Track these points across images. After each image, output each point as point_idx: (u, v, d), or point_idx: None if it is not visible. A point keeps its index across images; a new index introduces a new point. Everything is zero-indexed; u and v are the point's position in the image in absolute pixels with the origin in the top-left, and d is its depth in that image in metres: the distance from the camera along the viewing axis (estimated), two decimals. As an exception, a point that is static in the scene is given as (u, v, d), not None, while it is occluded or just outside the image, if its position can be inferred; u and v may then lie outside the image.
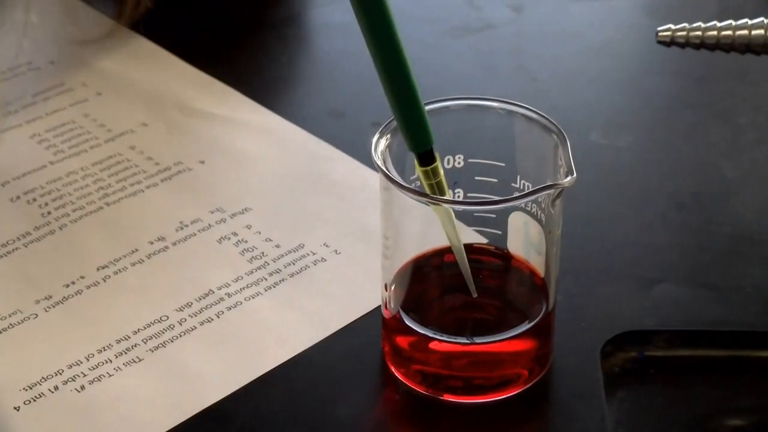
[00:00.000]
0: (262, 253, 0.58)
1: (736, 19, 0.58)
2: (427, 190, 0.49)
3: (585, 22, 0.76)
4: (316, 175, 0.62)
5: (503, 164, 0.51)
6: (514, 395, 0.51)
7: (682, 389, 0.54)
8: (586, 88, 0.70)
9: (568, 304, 0.54)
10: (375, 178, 0.49)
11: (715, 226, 0.60)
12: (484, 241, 0.52)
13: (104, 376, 0.51)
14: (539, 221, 0.49)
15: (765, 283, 0.56)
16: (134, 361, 0.52)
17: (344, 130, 0.66)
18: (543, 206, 0.49)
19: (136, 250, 0.58)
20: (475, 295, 0.50)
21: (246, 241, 0.58)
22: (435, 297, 0.52)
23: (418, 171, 0.48)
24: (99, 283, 0.56)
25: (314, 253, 0.58)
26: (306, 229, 0.59)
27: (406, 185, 0.48)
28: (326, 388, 0.51)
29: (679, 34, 0.58)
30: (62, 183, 0.62)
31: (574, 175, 0.47)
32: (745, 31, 0.57)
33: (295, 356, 0.52)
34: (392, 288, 0.51)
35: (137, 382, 0.51)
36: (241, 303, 0.55)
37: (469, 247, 0.52)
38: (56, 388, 0.51)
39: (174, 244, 0.58)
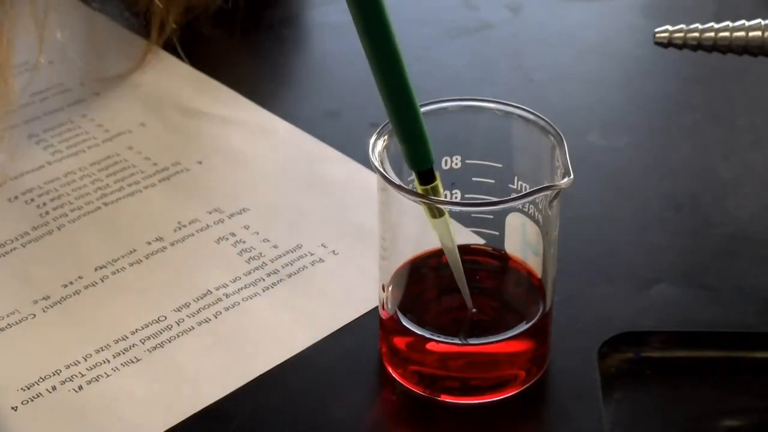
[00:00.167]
0: (260, 253, 0.58)
1: (733, 21, 0.58)
2: (426, 211, 0.49)
3: (582, 23, 0.76)
4: (313, 176, 0.62)
5: (500, 165, 0.51)
6: (511, 396, 0.51)
7: (678, 390, 0.54)
8: (584, 89, 0.70)
9: (566, 305, 0.54)
10: (373, 178, 0.49)
11: (712, 227, 0.60)
12: (482, 242, 0.52)
13: (102, 377, 0.52)
14: (536, 222, 0.49)
15: (762, 283, 0.56)
16: (132, 362, 0.52)
17: (342, 130, 0.66)
18: (540, 207, 0.49)
19: (134, 250, 0.58)
20: (471, 307, 0.50)
21: (244, 242, 0.58)
22: (432, 298, 0.52)
23: (418, 190, 0.48)
24: (97, 283, 0.56)
25: (312, 254, 0.58)
26: (304, 230, 0.59)
27: (404, 186, 0.48)
28: (324, 389, 0.51)
29: (677, 35, 0.58)
30: (60, 183, 0.62)
31: (572, 176, 0.47)
32: (743, 33, 0.57)
33: (293, 357, 0.53)
34: (389, 289, 0.51)
35: (135, 382, 0.51)
36: (239, 303, 0.55)
37: (467, 248, 0.52)
38: (54, 388, 0.51)
39: (172, 244, 0.58)
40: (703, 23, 0.59)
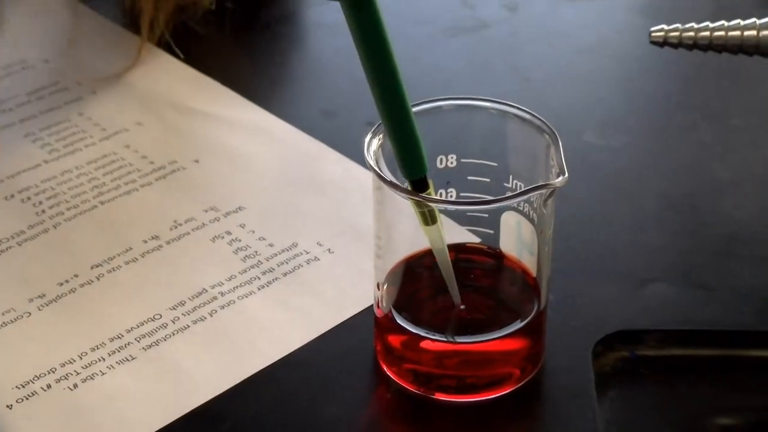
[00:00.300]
0: (256, 252, 0.58)
1: (728, 20, 0.58)
2: (419, 219, 0.49)
3: (579, 22, 0.76)
4: (309, 175, 0.62)
5: (496, 164, 0.51)
6: (505, 394, 0.51)
7: (673, 389, 0.54)
8: (580, 88, 0.70)
9: (560, 303, 0.54)
10: (368, 177, 0.49)
11: (708, 226, 0.60)
12: (477, 240, 0.52)
13: (97, 375, 0.52)
14: (531, 221, 0.49)
15: (757, 283, 0.56)
16: (127, 360, 0.52)
17: (338, 129, 0.66)
18: (535, 206, 0.49)
19: (130, 248, 0.58)
20: (458, 303, 0.50)
21: (239, 240, 0.58)
22: (427, 296, 0.52)
23: (411, 201, 0.49)
24: (93, 281, 0.56)
25: (307, 252, 0.58)
26: (299, 228, 0.59)
27: (399, 185, 0.48)
28: (318, 387, 0.51)
29: (672, 34, 0.58)
30: (57, 182, 0.62)
31: (566, 175, 0.47)
32: (738, 32, 0.57)
33: (288, 355, 0.53)
34: (384, 287, 0.51)
35: (130, 380, 0.51)
36: (234, 302, 0.55)
37: (462, 247, 0.52)
38: (49, 386, 0.51)
39: (168, 242, 0.58)
40: (699, 23, 0.59)
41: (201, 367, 0.52)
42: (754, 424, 0.53)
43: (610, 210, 0.61)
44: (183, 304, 0.55)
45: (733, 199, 0.61)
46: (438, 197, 0.50)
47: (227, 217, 0.60)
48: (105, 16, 0.74)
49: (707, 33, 0.58)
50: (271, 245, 0.58)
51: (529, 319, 0.50)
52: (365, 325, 0.53)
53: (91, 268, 0.57)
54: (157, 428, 0.49)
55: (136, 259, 0.57)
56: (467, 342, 0.50)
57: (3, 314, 0.54)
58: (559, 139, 0.49)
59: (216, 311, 0.55)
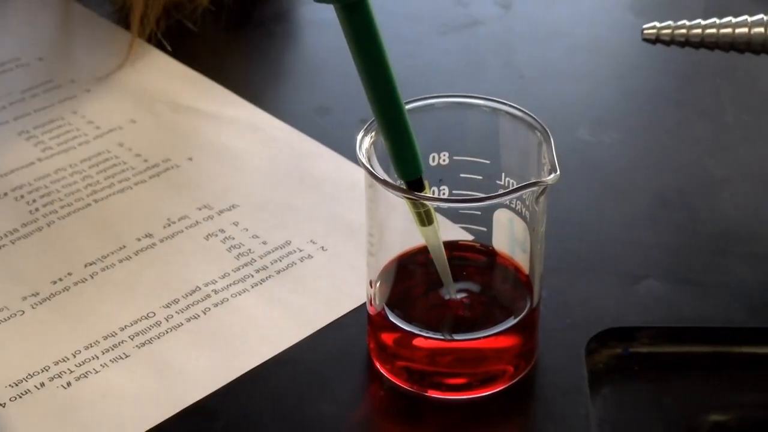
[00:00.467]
0: (249, 249, 0.58)
1: (720, 17, 0.58)
2: (415, 219, 0.49)
3: (572, 19, 0.76)
4: (303, 172, 0.62)
5: (488, 162, 0.51)
6: (498, 391, 0.51)
7: (666, 385, 0.54)
8: (573, 86, 0.70)
9: (553, 300, 0.54)
10: (361, 175, 0.49)
11: (700, 223, 0.60)
12: (470, 238, 0.52)
13: (90, 373, 0.52)
14: (524, 218, 0.49)
15: (749, 279, 0.56)
16: (121, 358, 0.52)
17: (331, 126, 0.66)
18: (527, 203, 0.49)
19: (124, 246, 0.58)
20: (454, 295, 0.51)
21: (233, 238, 0.58)
22: (420, 294, 0.53)
23: (407, 201, 0.49)
24: (86, 279, 0.56)
25: (301, 250, 0.58)
26: (293, 226, 0.59)
27: (391, 182, 0.48)
28: (312, 385, 0.51)
29: (664, 31, 0.58)
30: (50, 180, 0.62)
31: (558, 172, 0.47)
32: (729, 30, 0.57)
33: (281, 353, 0.53)
34: (377, 285, 0.51)
35: (123, 378, 0.51)
36: (228, 300, 0.55)
37: (455, 244, 0.52)
38: (42, 384, 0.51)
39: (161, 240, 0.58)
40: (691, 20, 0.59)
41: (194, 365, 0.52)
42: (746, 421, 0.54)
43: (603, 207, 0.61)
44: (176, 302, 0.55)
45: (726, 197, 0.61)
46: (430, 195, 0.50)
47: (221, 215, 0.60)
48: (98, 13, 0.74)
49: (699, 30, 0.58)
50: (264, 243, 0.58)
51: (522, 316, 0.50)
52: (358, 323, 0.53)
53: (85, 266, 0.57)
54: (151, 426, 0.50)
55: (130, 258, 0.57)
56: (460, 339, 0.50)
57: (-4, 312, 0.54)
58: (551, 137, 0.49)
59: (209, 309, 0.55)
